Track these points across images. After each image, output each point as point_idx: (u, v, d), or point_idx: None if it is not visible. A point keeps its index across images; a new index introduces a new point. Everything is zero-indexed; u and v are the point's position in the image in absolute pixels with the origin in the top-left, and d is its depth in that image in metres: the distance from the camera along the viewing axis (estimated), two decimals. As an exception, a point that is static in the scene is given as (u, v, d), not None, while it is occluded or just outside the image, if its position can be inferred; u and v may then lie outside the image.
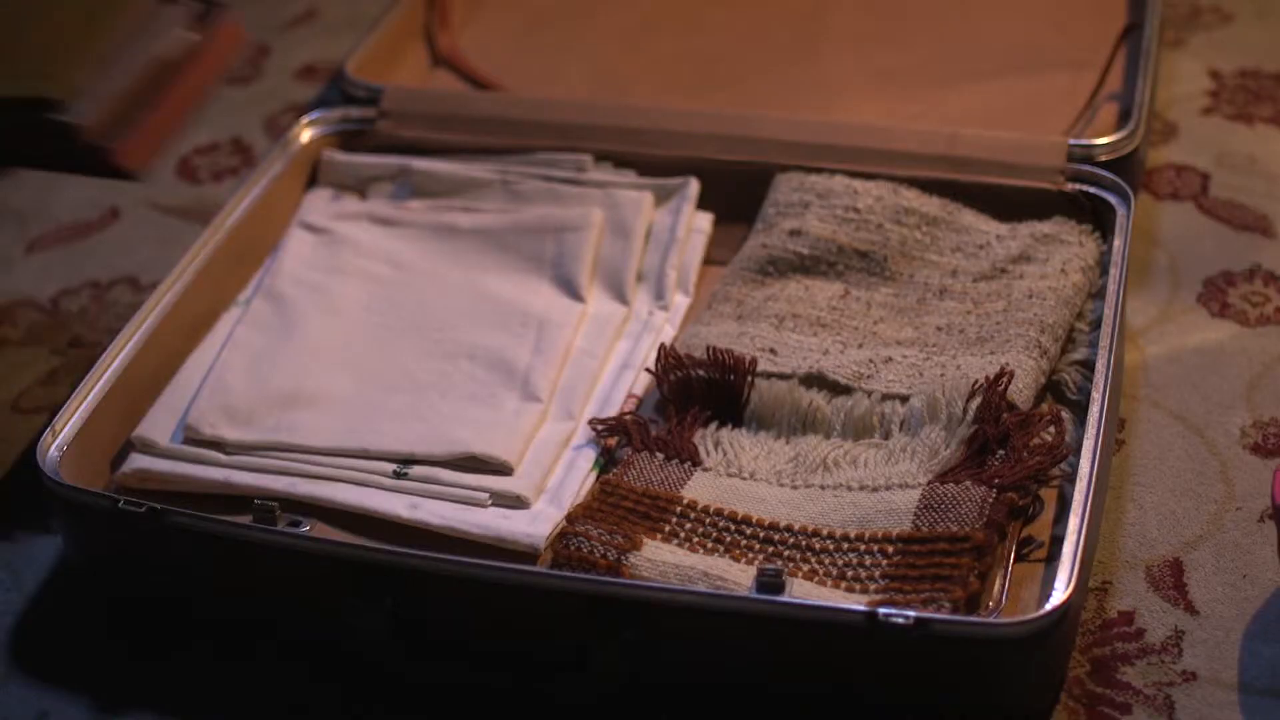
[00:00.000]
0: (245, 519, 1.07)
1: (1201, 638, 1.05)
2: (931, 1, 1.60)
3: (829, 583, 1.03)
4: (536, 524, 1.09)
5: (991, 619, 1.01)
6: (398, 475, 1.13)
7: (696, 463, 1.13)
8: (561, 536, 1.06)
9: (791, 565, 1.04)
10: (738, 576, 1.02)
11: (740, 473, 1.12)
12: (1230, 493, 1.15)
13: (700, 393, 1.18)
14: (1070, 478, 1.08)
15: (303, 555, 1.03)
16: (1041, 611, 0.96)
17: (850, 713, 1.00)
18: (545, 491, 1.12)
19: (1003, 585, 1.04)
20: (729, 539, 1.07)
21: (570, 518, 1.08)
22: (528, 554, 1.08)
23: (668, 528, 1.07)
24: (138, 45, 1.18)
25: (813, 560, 1.05)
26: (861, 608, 0.96)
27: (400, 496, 1.12)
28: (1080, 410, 1.14)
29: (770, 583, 0.99)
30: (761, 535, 1.07)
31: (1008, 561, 1.06)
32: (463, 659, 1.04)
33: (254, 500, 1.07)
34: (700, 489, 1.11)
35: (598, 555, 1.04)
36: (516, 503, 1.11)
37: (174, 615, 1.10)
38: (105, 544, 1.10)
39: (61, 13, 1.21)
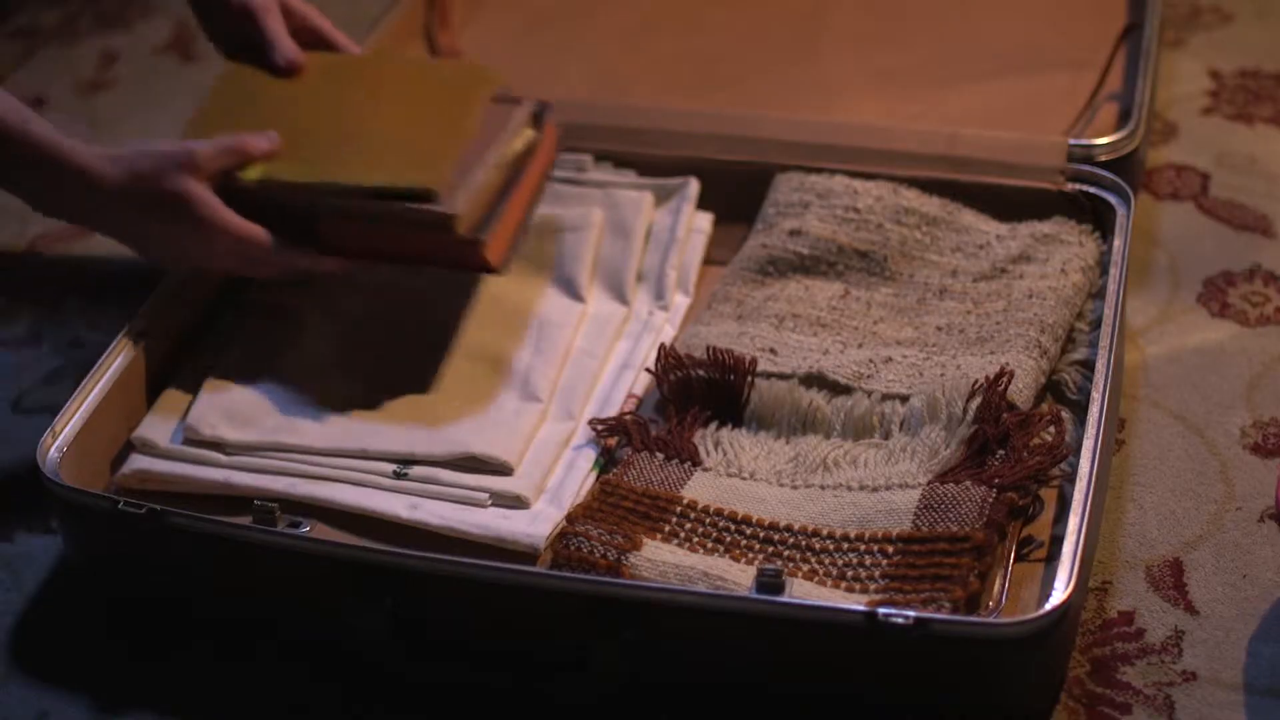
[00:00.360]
0: (245, 520, 1.07)
1: (1201, 638, 1.05)
2: (931, 1, 1.60)
3: (829, 583, 1.03)
4: (536, 524, 1.09)
5: (991, 619, 1.01)
6: (398, 476, 1.13)
7: (696, 463, 1.13)
8: (561, 536, 1.06)
9: (791, 565, 1.04)
10: (738, 576, 1.02)
11: (740, 473, 1.12)
12: (1230, 493, 1.15)
13: (700, 393, 1.18)
14: (1070, 478, 1.08)
15: (302, 556, 1.03)
16: (1041, 611, 0.96)
17: (850, 713, 1.00)
18: (545, 492, 1.12)
19: (1003, 585, 1.04)
20: (729, 539, 1.07)
21: (570, 518, 1.08)
22: (527, 554, 1.08)
23: (667, 527, 1.07)
24: (491, 145, 1.22)
25: (813, 560, 1.05)
26: (861, 608, 0.96)
27: (400, 497, 1.11)
28: (1080, 410, 1.14)
29: (770, 583, 0.99)
30: (761, 535, 1.07)
31: (1008, 561, 1.06)
32: (463, 659, 1.04)
33: (254, 501, 1.07)
34: (700, 489, 1.11)
35: (597, 555, 1.04)
36: (516, 503, 1.11)
37: (174, 615, 1.10)
38: (105, 545, 1.10)
39: (425, 115, 1.25)
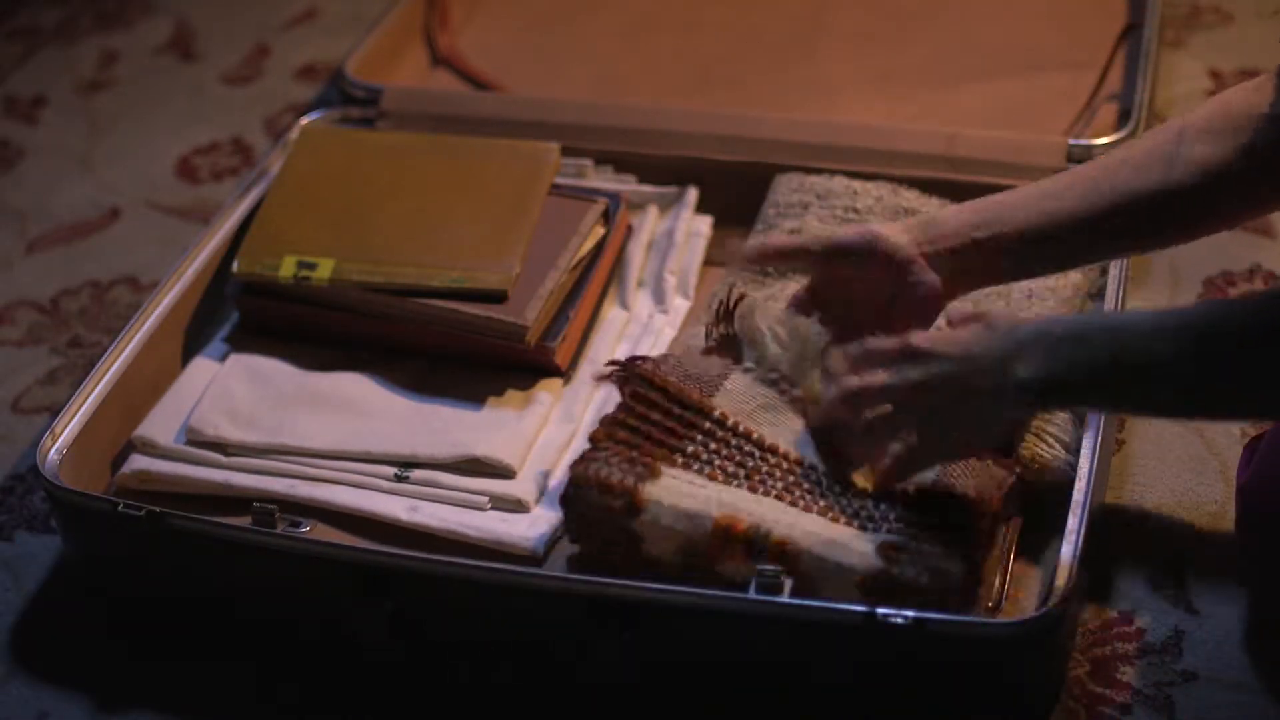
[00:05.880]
0: (245, 521, 1.07)
1: (1201, 638, 1.05)
2: (931, 1, 1.60)
3: (841, 520, 1.03)
4: (535, 527, 1.09)
5: (991, 619, 1.01)
6: (399, 479, 1.13)
7: (738, 360, 1.12)
8: (581, 459, 1.06)
9: (806, 501, 1.04)
10: (751, 507, 1.02)
11: (779, 383, 1.11)
12: (1230, 493, 1.14)
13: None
14: (1070, 478, 1.08)
15: (301, 558, 1.03)
16: (1041, 611, 0.96)
17: (850, 712, 1.00)
18: (545, 495, 1.12)
19: (1002, 585, 1.04)
20: (751, 464, 1.06)
21: (593, 438, 1.07)
22: (527, 557, 1.08)
23: (690, 448, 1.07)
24: (562, 250, 1.22)
25: (830, 497, 1.05)
26: (861, 608, 0.96)
27: (400, 499, 1.11)
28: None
29: (769, 584, 0.99)
30: (785, 467, 1.06)
31: (1008, 561, 1.06)
32: (462, 659, 1.04)
33: (253, 503, 1.07)
34: (732, 399, 1.09)
35: (615, 479, 1.03)
36: (516, 506, 1.11)
37: (174, 615, 1.10)
38: (105, 546, 1.10)
39: (489, 205, 1.25)
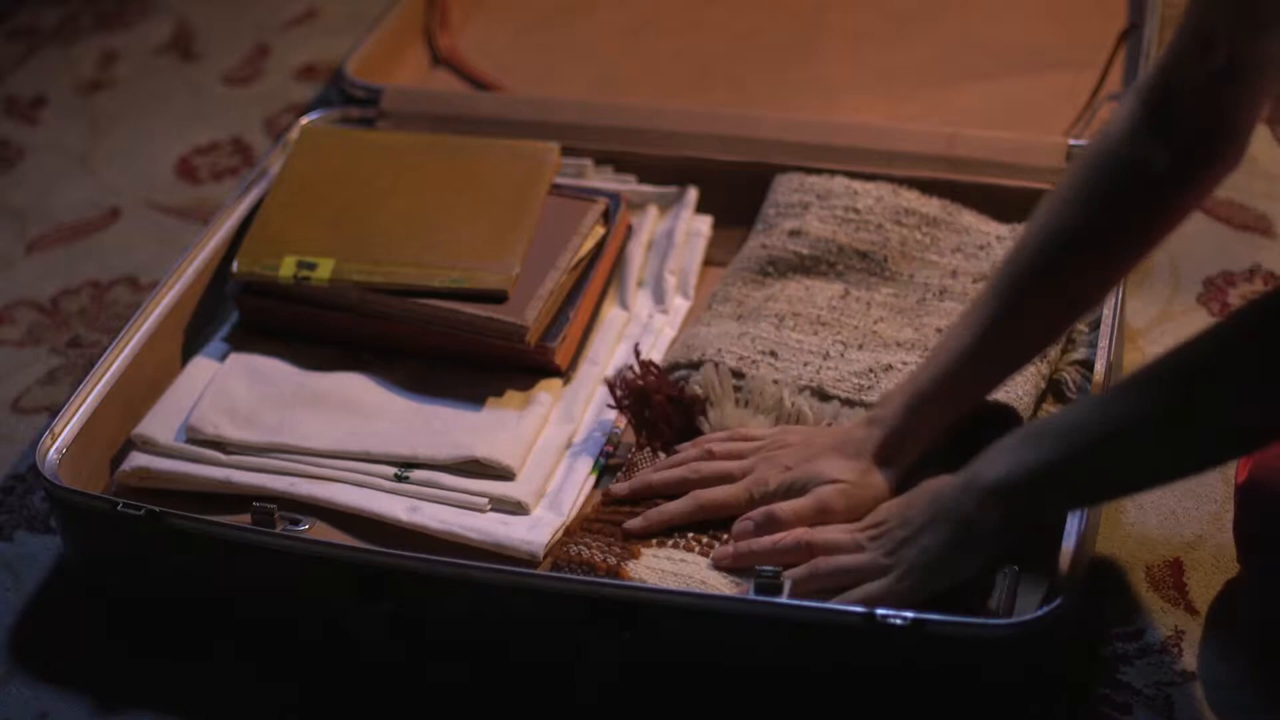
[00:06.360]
0: (244, 519, 1.07)
1: (1201, 638, 1.05)
2: (931, 1, 1.60)
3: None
4: (535, 530, 1.09)
5: (989, 619, 1.01)
6: (399, 479, 1.13)
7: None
8: (562, 544, 1.06)
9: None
10: (732, 583, 1.03)
11: None
12: (1230, 493, 1.14)
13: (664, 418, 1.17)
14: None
15: (301, 557, 1.03)
16: (1040, 612, 0.96)
17: (849, 713, 1.00)
18: (544, 496, 1.12)
19: (1002, 585, 1.04)
20: (725, 538, 1.07)
21: (570, 531, 1.08)
22: (526, 561, 1.08)
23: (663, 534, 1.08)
24: (562, 249, 1.22)
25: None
26: (860, 609, 0.96)
27: (400, 499, 1.11)
28: (1080, 410, 1.13)
29: (768, 584, 0.99)
30: None
31: (1007, 562, 1.05)
32: (462, 659, 1.04)
33: (253, 502, 1.07)
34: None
35: (599, 560, 1.04)
36: (516, 509, 1.11)
37: (174, 615, 1.10)
38: (105, 545, 1.10)
39: (488, 204, 1.25)
